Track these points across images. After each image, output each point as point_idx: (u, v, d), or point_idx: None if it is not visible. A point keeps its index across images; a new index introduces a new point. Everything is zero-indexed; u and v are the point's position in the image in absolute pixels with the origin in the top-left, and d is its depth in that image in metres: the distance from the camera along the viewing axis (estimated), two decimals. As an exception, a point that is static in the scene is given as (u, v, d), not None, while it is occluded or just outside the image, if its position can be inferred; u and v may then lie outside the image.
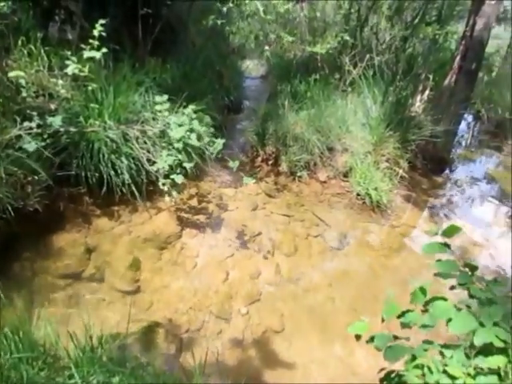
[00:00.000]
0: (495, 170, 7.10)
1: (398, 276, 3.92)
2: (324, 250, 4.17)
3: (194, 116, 3.81)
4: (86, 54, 3.40)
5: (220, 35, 7.57)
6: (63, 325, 2.51)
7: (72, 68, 3.39)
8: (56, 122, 3.36)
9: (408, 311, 1.51)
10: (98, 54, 3.40)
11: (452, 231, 1.49)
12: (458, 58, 5.64)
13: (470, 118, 9.16)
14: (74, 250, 3.48)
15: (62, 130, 3.48)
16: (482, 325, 1.31)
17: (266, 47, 7.12)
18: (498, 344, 1.26)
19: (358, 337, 1.51)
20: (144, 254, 3.65)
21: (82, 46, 3.43)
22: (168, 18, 5.25)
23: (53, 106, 3.73)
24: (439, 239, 1.61)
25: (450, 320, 1.35)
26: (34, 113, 3.33)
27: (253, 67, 10.13)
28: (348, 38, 6.38)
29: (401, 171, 5.30)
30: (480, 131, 8.71)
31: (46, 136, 3.32)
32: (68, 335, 2.16)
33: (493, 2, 5.18)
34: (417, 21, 7.03)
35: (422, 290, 1.45)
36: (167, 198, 3.96)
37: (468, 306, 1.39)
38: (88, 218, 3.85)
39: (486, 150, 7.72)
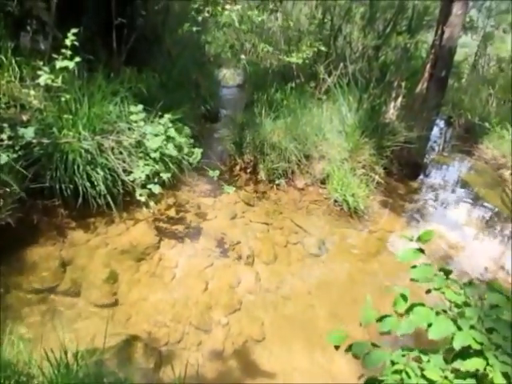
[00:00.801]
0: (467, 173, 7.30)
1: (377, 280, 3.97)
2: (303, 257, 4.18)
3: (170, 125, 3.78)
4: (59, 63, 3.34)
5: (196, 45, 7.58)
6: (37, 342, 2.44)
7: (44, 78, 3.33)
8: (28, 133, 3.28)
9: (386, 316, 1.52)
10: (71, 64, 3.35)
11: (426, 237, 1.51)
12: (428, 65, 5.81)
13: (441, 123, 9.42)
14: (48, 263, 3.38)
15: (34, 141, 3.39)
16: (459, 328, 1.33)
17: (242, 56, 7.17)
18: (476, 346, 1.28)
19: (336, 347, 1.51)
20: (121, 266, 3.58)
21: (55, 56, 3.38)
22: (143, 28, 5.23)
23: (25, 118, 3.64)
24: (414, 245, 1.64)
25: (429, 325, 1.37)
26: (5, 124, 3.24)
27: (229, 76, 10.15)
28: (322, 47, 6.49)
29: (377, 177, 5.39)
30: (452, 136, 8.96)
31: (17, 148, 3.23)
32: (42, 352, 2.09)
33: (459, 13, 5.37)
34: (388, 30, 7.22)
35: (403, 297, 1.47)
36: (145, 209, 3.90)
37: (444, 311, 1.41)
38: (63, 230, 3.76)
39: (458, 155, 7.94)
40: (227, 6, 4.48)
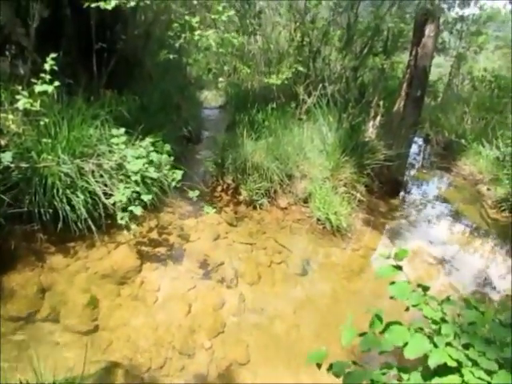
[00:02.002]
0: (447, 189, 7.45)
1: (361, 299, 3.97)
2: (287, 277, 4.18)
3: (151, 149, 3.79)
4: (38, 88, 3.34)
5: (177, 67, 7.65)
6: (13, 372, 2.36)
7: (23, 102, 3.31)
8: (6, 157, 3.24)
9: (365, 334, 1.53)
10: (50, 88, 3.35)
11: (402, 254, 1.54)
12: (404, 85, 5.98)
13: (420, 141, 9.64)
14: (26, 290, 3.30)
15: (12, 165, 3.36)
16: (435, 346, 1.34)
17: (221, 79, 7.27)
18: (451, 363, 1.29)
19: (318, 365, 1.51)
20: (102, 290, 3.51)
21: (34, 80, 3.38)
22: (123, 52, 5.26)
23: (2, 142, 3.60)
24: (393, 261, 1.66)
25: (405, 344, 1.38)
26: (-18, 149, 3.21)
27: (211, 97, 10.26)
28: (301, 68, 6.62)
29: (358, 195, 5.46)
30: (430, 153, 9.16)
31: (-6, 173, 3.20)
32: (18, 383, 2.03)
33: (431, 35, 5.57)
34: (365, 52, 7.43)
35: (378, 317, 1.48)
36: (126, 232, 3.86)
37: (421, 328, 1.43)
38: (42, 255, 3.69)
39: (437, 171, 8.11)
40: (204, 32, 4.55)
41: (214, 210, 3.97)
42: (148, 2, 4.23)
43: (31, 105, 3.33)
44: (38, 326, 3.09)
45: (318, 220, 5.07)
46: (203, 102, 9.34)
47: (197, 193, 3.89)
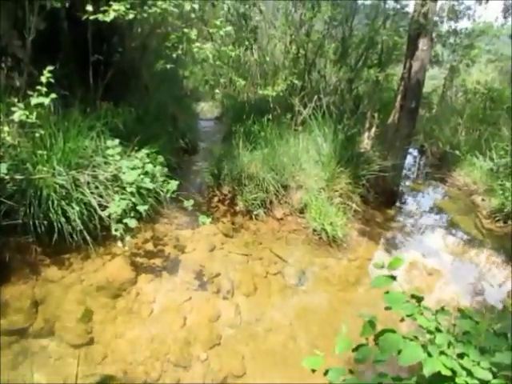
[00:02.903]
0: (441, 200, 7.49)
1: (357, 309, 3.96)
2: (283, 288, 4.16)
3: (147, 160, 3.80)
4: (34, 100, 3.36)
5: (173, 79, 7.71)
6: (6, 387, 2.33)
7: (19, 115, 3.32)
8: (1, 169, 3.24)
9: (361, 345, 1.53)
10: (46, 100, 3.36)
11: (396, 263, 1.54)
12: (399, 97, 6.04)
13: (415, 152, 9.71)
14: (20, 303, 3.27)
15: (7, 177, 3.35)
16: (429, 355, 1.34)
17: (217, 91, 7.32)
18: (446, 372, 1.29)
19: (313, 370, 1.50)
20: (97, 303, 3.49)
21: (30, 92, 3.39)
22: (120, 64, 5.30)
23: (-2, 154, 3.60)
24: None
25: (399, 352, 1.38)
26: (-23, 161, 3.21)
27: (207, 109, 10.32)
28: (297, 80, 6.69)
29: (354, 205, 5.48)
30: (425, 164, 9.23)
31: (-11, 184, 3.19)
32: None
33: (425, 48, 5.65)
34: (360, 64, 7.52)
35: (371, 324, 1.48)
36: (120, 244, 3.85)
37: (416, 337, 1.43)
38: (36, 268, 3.66)
39: (432, 182, 8.16)
40: (201, 45, 4.60)
41: (210, 220, 3.96)
42: (145, 15, 4.27)
43: (27, 117, 3.34)
44: (33, 340, 3.05)
45: (314, 230, 5.07)
46: (199, 113, 9.40)
47: (191, 202, 3.89)
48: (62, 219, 3.72)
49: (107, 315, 3.40)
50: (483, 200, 6.72)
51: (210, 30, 4.97)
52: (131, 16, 4.07)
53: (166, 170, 3.94)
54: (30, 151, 3.78)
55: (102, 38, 5.00)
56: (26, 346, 2.98)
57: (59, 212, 3.72)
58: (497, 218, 6.17)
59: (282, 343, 3.45)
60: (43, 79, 3.37)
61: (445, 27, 10.22)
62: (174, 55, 4.68)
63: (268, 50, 7.59)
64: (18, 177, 3.47)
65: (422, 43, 5.64)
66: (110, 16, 3.94)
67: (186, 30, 4.63)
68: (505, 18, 10.81)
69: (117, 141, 3.87)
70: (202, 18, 6.17)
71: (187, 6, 4.39)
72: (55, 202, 3.71)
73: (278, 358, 3.29)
